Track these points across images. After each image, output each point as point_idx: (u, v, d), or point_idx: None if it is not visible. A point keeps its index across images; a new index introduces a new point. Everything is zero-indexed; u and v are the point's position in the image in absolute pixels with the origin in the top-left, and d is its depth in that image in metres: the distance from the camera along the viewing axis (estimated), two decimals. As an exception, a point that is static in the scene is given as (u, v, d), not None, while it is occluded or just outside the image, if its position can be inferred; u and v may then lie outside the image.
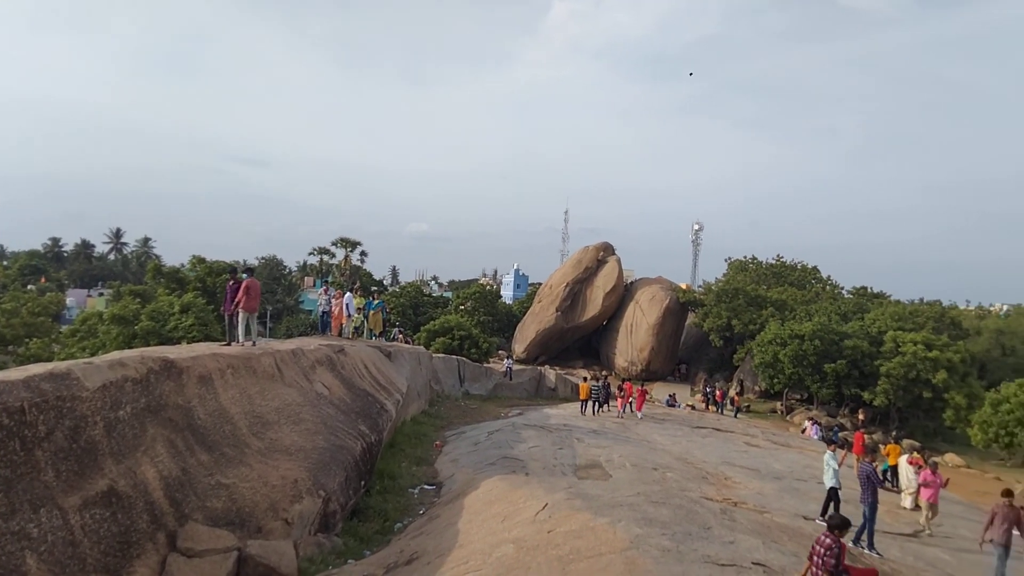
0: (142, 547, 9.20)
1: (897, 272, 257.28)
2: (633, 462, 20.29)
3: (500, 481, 16.25)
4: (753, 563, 9.86)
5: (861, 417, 42.08)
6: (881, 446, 26.45)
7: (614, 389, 37.51)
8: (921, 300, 74.04)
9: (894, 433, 48.31)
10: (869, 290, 76.78)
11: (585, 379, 36.91)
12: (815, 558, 8.67)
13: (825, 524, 14.55)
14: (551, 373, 50.33)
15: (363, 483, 16.19)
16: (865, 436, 25.06)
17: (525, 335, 73.78)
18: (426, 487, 18.53)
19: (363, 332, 28.27)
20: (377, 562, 12.04)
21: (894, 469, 21.49)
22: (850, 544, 13.26)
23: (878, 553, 13.23)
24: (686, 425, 31.15)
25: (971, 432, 44.70)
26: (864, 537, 13.60)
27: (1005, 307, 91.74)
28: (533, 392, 45.81)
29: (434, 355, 38.64)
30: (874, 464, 14.17)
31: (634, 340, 69.15)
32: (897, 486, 20.43)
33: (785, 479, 20.46)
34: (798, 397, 58.85)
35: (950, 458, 46.12)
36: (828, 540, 8.59)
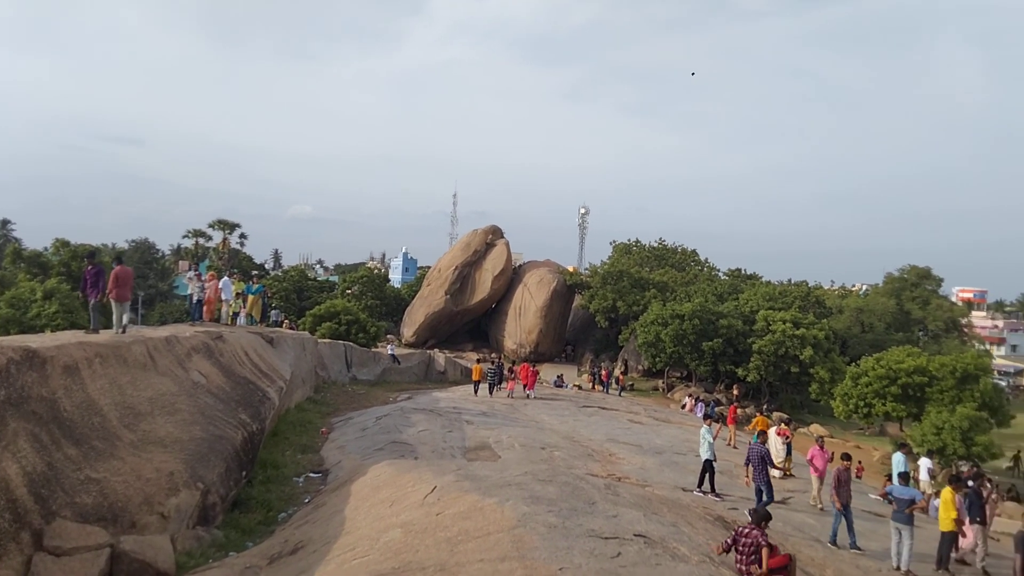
0: (3, 547, 8.59)
1: (768, 254, 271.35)
2: (522, 443, 20.57)
3: (388, 466, 16.11)
4: (635, 535, 10.19)
5: (736, 392, 44.25)
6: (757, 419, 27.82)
7: (506, 371, 37.91)
8: (789, 281, 78.20)
9: (765, 406, 51.10)
10: (743, 272, 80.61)
11: (479, 361, 37.06)
12: (740, 549, 9.07)
13: (701, 494, 15.20)
14: (440, 357, 50.27)
15: (245, 473, 15.69)
16: (738, 409, 26.46)
17: (414, 319, 73.30)
18: (312, 475, 18.15)
19: (243, 318, 27.28)
20: (260, 553, 11.72)
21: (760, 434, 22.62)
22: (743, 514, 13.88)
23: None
24: (573, 405, 31.82)
25: (834, 404, 47.81)
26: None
27: (864, 287, 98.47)
28: (423, 376, 45.63)
29: (320, 341, 37.79)
30: (764, 444, 14.70)
31: (523, 322, 69.96)
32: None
33: (665, 453, 21.28)
34: (678, 375, 61.19)
35: (815, 428, 49.24)
36: (754, 532, 9.00)
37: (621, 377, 47.04)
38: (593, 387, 45.55)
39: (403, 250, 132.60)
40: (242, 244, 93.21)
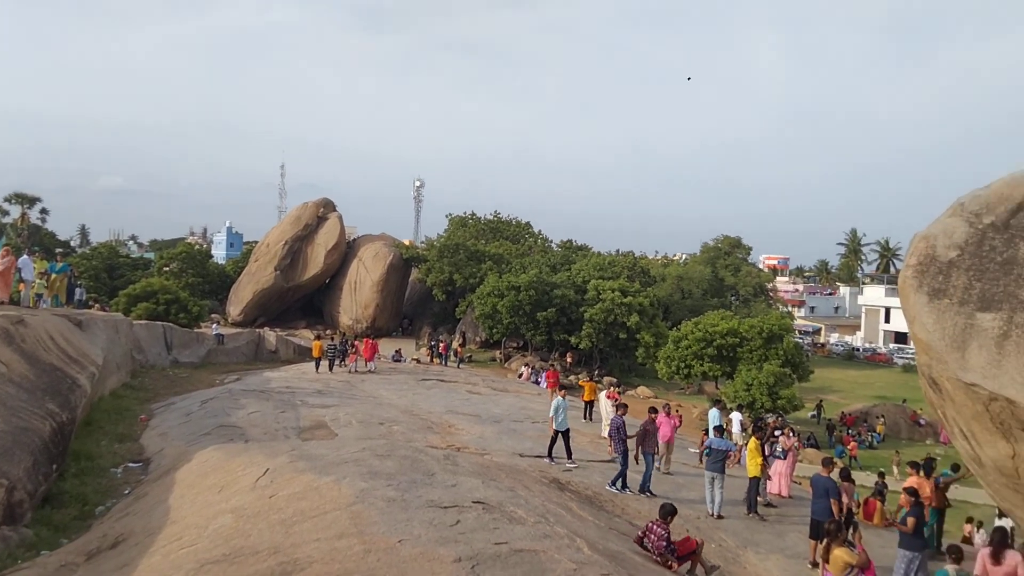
0: None
1: (598, 225, 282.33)
2: (360, 419, 20.29)
3: (216, 451, 15.37)
4: (473, 502, 10.34)
5: (569, 359, 45.93)
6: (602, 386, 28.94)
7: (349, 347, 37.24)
8: (618, 251, 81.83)
9: (596, 372, 53.40)
10: (574, 243, 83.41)
11: (318, 337, 36.19)
12: (648, 542, 9.33)
13: (549, 461, 15.49)
14: (271, 335, 48.37)
15: (56, 467, 14.40)
16: (559, 373, 27.68)
17: (241, 296, 70.02)
18: (131, 465, 17.00)
19: (47, 300, 24.87)
20: (76, 550, 10.85)
21: (590, 404, 23.64)
22: (607, 487, 14.33)
23: (630, 491, 14.28)
24: (412, 379, 31.75)
25: (658, 366, 50.81)
26: (642, 483, 14.57)
27: (684, 256, 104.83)
28: (252, 356, 43.76)
29: (135, 322, 35.23)
30: (623, 416, 15.08)
31: (359, 297, 68.73)
32: (589, 417, 22.55)
33: (504, 422, 21.73)
34: (515, 345, 62.58)
35: (641, 390, 52.14)
36: (659, 529, 9.27)
37: (459, 349, 47.43)
38: (432, 360, 45.62)
39: (227, 224, 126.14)
40: (43, 220, 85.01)
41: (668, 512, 9.58)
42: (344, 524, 9.23)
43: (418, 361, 45.00)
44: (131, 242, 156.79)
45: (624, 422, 14.55)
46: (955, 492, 24.56)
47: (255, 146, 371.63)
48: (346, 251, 72.53)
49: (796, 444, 17.40)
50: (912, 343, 12.16)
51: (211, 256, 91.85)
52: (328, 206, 74.07)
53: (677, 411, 16.90)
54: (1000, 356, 10.27)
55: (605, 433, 20.00)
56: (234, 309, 69.98)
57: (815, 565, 11.19)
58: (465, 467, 13.07)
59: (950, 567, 9.73)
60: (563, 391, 16.86)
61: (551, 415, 15.76)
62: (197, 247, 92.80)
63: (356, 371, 32.43)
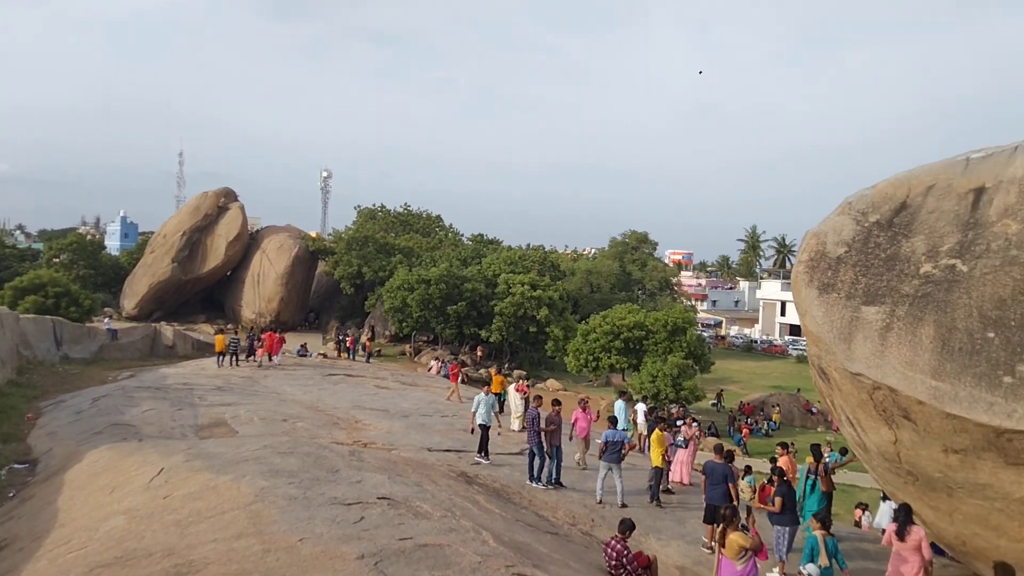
0: None
1: (509, 219, 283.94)
2: (262, 416, 19.77)
3: (108, 451, 14.66)
4: (378, 498, 10.22)
5: (480, 353, 46.01)
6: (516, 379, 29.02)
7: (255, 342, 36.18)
8: (528, 245, 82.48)
9: (507, 365, 53.71)
10: (485, 237, 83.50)
11: (221, 331, 35.13)
12: (610, 562, 9.29)
13: (484, 462, 15.30)
14: (168, 330, 46.49)
15: (-72, 472, 13.46)
16: (459, 366, 27.87)
17: (137, 289, 67.06)
18: (17, 466, 16.07)
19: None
20: (-50, 561, 10.14)
21: (499, 396, 23.67)
22: (526, 482, 14.29)
23: (543, 485, 14.23)
24: (318, 374, 31.11)
25: (567, 360, 51.53)
26: (548, 475, 14.49)
27: (593, 251, 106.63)
28: (148, 352, 42.00)
29: (21, 316, 33.21)
30: (539, 408, 15.04)
31: (262, 291, 66.90)
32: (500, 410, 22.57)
33: (412, 416, 21.55)
34: (425, 339, 62.23)
35: (551, 383, 52.73)
36: (618, 545, 9.23)
37: (368, 343, 46.82)
38: (339, 355, 44.84)
39: (121, 214, 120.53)
40: (-83, 208, 78.93)
41: (627, 527, 9.60)
42: (242, 524, 8.97)
43: (325, 356, 44.14)
44: (18, 232, 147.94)
45: (539, 414, 14.60)
46: (844, 477, 25.96)
47: (152, 133, 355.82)
48: (249, 243, 70.43)
49: (697, 433, 17.91)
50: (804, 335, 12.71)
51: (104, 247, 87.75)
52: (229, 196, 71.64)
53: (585, 404, 17.00)
54: (883, 347, 10.85)
55: (515, 426, 20.11)
56: (129, 303, 67.00)
57: (712, 549, 11.60)
58: (371, 463, 12.89)
59: (818, 532, 10.24)
60: (485, 387, 16.65)
61: (472, 411, 15.62)
62: (89, 237, 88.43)
63: (263, 366, 31.60)
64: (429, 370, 43.11)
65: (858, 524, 20.49)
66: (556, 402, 15.07)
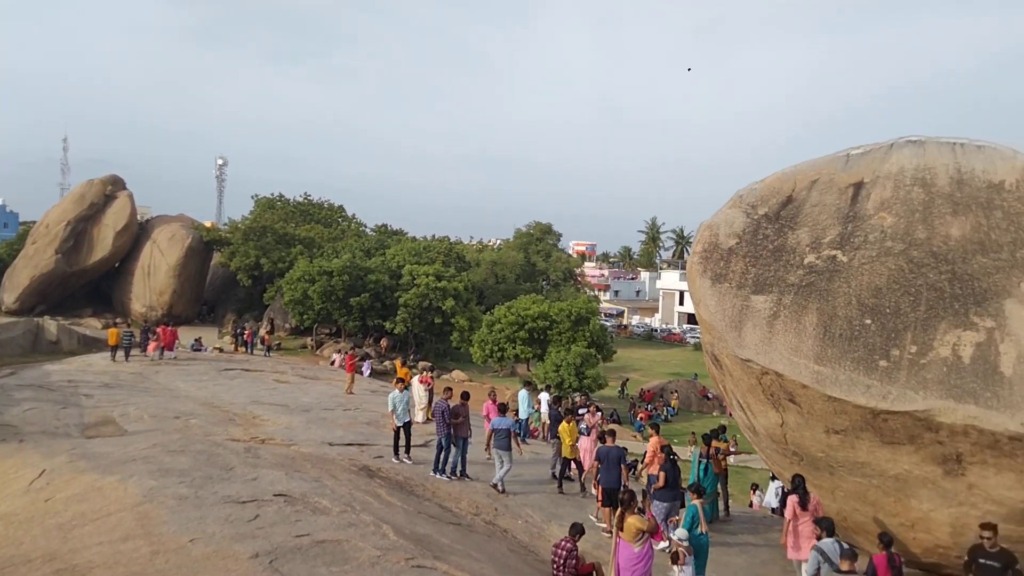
0: None
1: (413, 210, 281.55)
2: (152, 413, 18.96)
3: (-18, 454, 13.72)
4: (275, 495, 9.97)
5: (384, 345, 45.33)
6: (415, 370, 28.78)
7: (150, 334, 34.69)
8: (434, 236, 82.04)
9: (412, 357, 53.36)
10: (390, 228, 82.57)
11: (115, 323, 33.56)
12: (557, 561, 9.15)
13: (407, 462, 14.90)
14: (52, 325, 44.03)
15: None
16: (355, 357, 27.53)
17: (17, 282, 63.07)
18: None
19: None
20: None
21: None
22: (431, 473, 14.07)
23: (447, 476, 14.04)
24: (213, 369, 30.01)
25: (472, 350, 51.64)
26: (452, 466, 14.26)
27: (498, 242, 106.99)
28: (29, 348, 39.66)
29: None
30: (448, 400, 14.76)
31: (153, 283, 64.12)
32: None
33: (313, 411, 21.09)
34: (327, 331, 61.10)
35: (456, 374, 52.76)
36: (568, 545, 9.05)
37: (267, 337, 45.43)
38: (236, 349, 43.39)
39: (0, 202, 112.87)
40: None
41: (578, 531, 9.52)
42: (130, 526, 8.59)
43: (221, 350, 42.71)
44: None
45: (449, 406, 14.42)
46: (737, 459, 27.02)
47: (34, 117, 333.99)
48: (138, 233, 67.31)
49: (600, 421, 18.22)
50: (699, 323, 13.14)
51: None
52: (117, 184, 68.17)
53: (495, 395, 16.94)
54: (771, 334, 11.34)
55: (419, 418, 19.94)
56: (8, 296, 62.99)
57: (611, 532, 11.91)
58: (268, 459, 12.56)
59: (696, 502, 10.70)
60: (400, 384, 16.14)
61: (389, 410, 15.04)
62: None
63: (155, 361, 30.28)
64: (331, 363, 42.34)
65: (751, 505, 21.40)
66: (465, 395, 15.02)
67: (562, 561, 9.32)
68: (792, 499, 10.98)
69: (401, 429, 14.78)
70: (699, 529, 10.26)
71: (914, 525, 10.95)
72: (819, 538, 9.56)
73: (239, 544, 8.01)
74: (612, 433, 13.31)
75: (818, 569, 9.01)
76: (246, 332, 45.26)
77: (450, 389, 15.70)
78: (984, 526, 9.05)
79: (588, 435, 16.56)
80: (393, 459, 14.74)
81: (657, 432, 14.13)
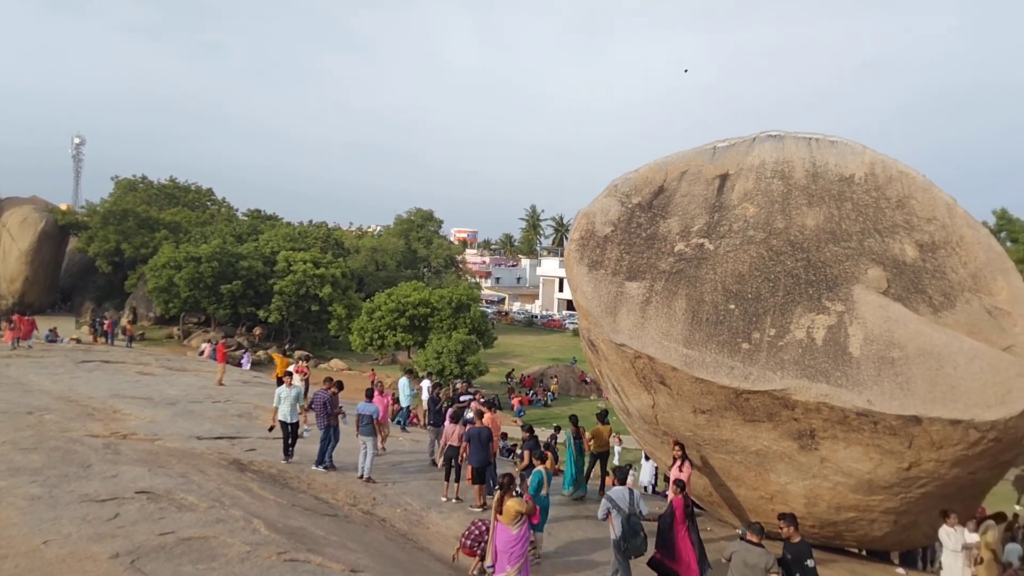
0: None
1: (288, 194, 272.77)
2: (2, 408, 17.54)
3: None
4: (137, 492, 9.45)
5: (257, 334, 44.03)
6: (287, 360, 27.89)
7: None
8: (310, 222, 79.82)
9: (288, 346, 51.86)
10: (263, 212, 79.67)
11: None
12: (469, 533, 9.27)
13: (321, 468, 14.25)
14: None
15: None
16: (225, 347, 26.57)
17: None
18: None
19: None
20: None
21: (281, 380, 22.78)
22: (314, 467, 13.58)
23: (326, 468, 13.65)
24: (70, 361, 28.09)
25: (352, 338, 50.69)
26: (327, 458, 13.82)
27: (378, 227, 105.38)
28: None
29: None
30: (331, 391, 14.21)
31: (3, 270, 59.50)
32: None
33: (180, 403, 20.14)
34: (196, 320, 58.48)
35: (335, 363, 51.74)
36: (484, 525, 9.21)
37: (129, 327, 43.13)
38: (95, 339, 40.91)
39: None
40: None
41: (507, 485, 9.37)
42: (-29, 532, 7.90)
43: (78, 341, 40.10)
44: None
45: (330, 397, 13.99)
46: (612, 440, 27.82)
47: None
48: (-16, 216, 62.05)
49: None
50: (576, 309, 13.42)
51: None
52: (-41, 162, 62.56)
53: (382, 387, 16.55)
54: (643, 319, 11.73)
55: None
56: None
57: (481, 508, 12.13)
58: (129, 455, 11.89)
59: (541, 468, 11.22)
60: (287, 378, 15.41)
61: (274, 405, 14.28)
62: None
63: (11, 350, 28.12)
64: (200, 353, 40.54)
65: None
66: (335, 384, 14.68)
67: (476, 533, 9.49)
68: (676, 470, 11.56)
69: (289, 427, 13.87)
70: (543, 491, 10.72)
71: (773, 498, 11.64)
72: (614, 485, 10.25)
73: (97, 545, 7.55)
74: (480, 414, 13.46)
75: (608, 513, 9.66)
76: (106, 322, 42.76)
77: (330, 379, 15.24)
78: (780, 516, 8.97)
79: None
80: (284, 460, 13.94)
81: (491, 410, 14.28)
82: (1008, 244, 38.56)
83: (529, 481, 11.00)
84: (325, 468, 13.69)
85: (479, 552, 9.60)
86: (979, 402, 9.78)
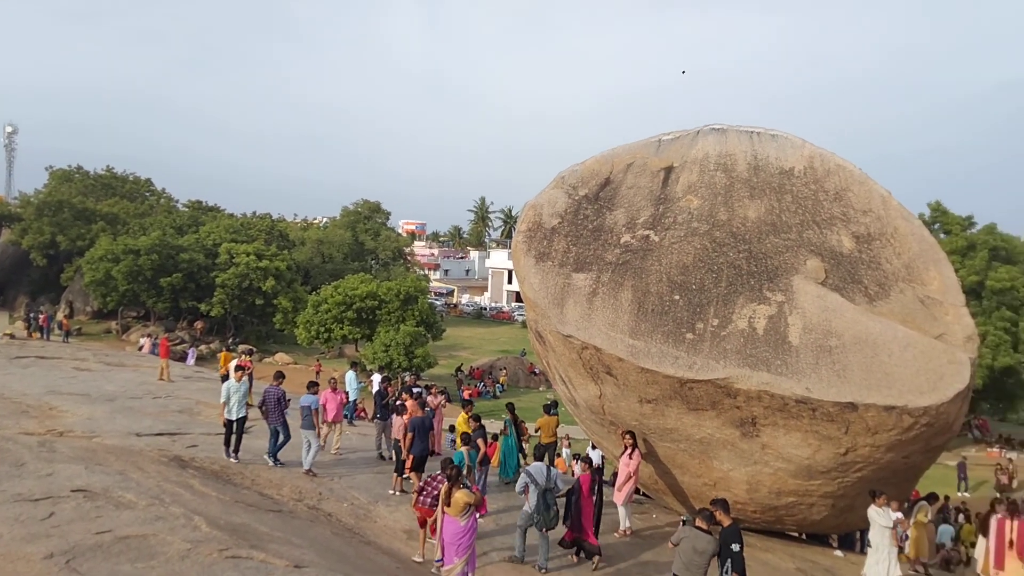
0: None
1: (230, 186, 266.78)
2: (-75, 408, 16.82)
3: None
4: (73, 490, 9.17)
5: (199, 328, 43.11)
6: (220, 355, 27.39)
7: None
8: (254, 213, 78.21)
9: (231, 340, 50.88)
10: (204, 203, 77.72)
11: None
12: (424, 490, 9.56)
13: (231, 458, 13.86)
14: None
15: None
16: (168, 341, 25.93)
17: None
18: None
19: None
20: None
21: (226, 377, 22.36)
22: (266, 456, 13.28)
23: (280, 463, 13.38)
24: (3, 356, 27.11)
25: (298, 332, 49.92)
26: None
27: (324, 219, 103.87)
28: None
29: None
30: (281, 385, 13.82)
31: (-73, 263, 56.92)
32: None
33: (118, 400, 19.60)
34: (135, 314, 56.95)
35: (280, 357, 50.92)
36: (440, 480, 9.24)
37: (65, 321, 41.66)
38: (30, 334, 39.47)
39: None
40: None
41: (454, 473, 9.22)
42: None
43: (12, 336, 38.66)
44: None
45: (284, 392, 13.64)
46: (560, 431, 28.03)
47: None
48: (-91, 206, 59.34)
49: (443, 401, 18.15)
50: (524, 301, 13.45)
51: None
52: None
53: (335, 384, 16.11)
54: (590, 311, 11.83)
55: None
56: None
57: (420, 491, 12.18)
58: (66, 453, 11.53)
59: (463, 449, 11.58)
60: (239, 372, 14.92)
61: (221, 401, 13.81)
62: None
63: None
64: (140, 348, 39.51)
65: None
66: (278, 375, 14.38)
67: (429, 489, 9.74)
68: (623, 457, 11.87)
69: (235, 423, 13.37)
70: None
71: (716, 484, 11.87)
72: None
73: (31, 545, 7.31)
74: (424, 404, 13.42)
75: (526, 487, 10.12)
76: (42, 316, 41.33)
77: (282, 374, 14.82)
78: (712, 502, 8.94)
79: (433, 416, 16.30)
80: (225, 456, 13.47)
81: (412, 397, 14.31)
82: (942, 236, 39.89)
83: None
84: (276, 463, 13.43)
85: (428, 504, 9.87)
86: (912, 388, 10.12)
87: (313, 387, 14.42)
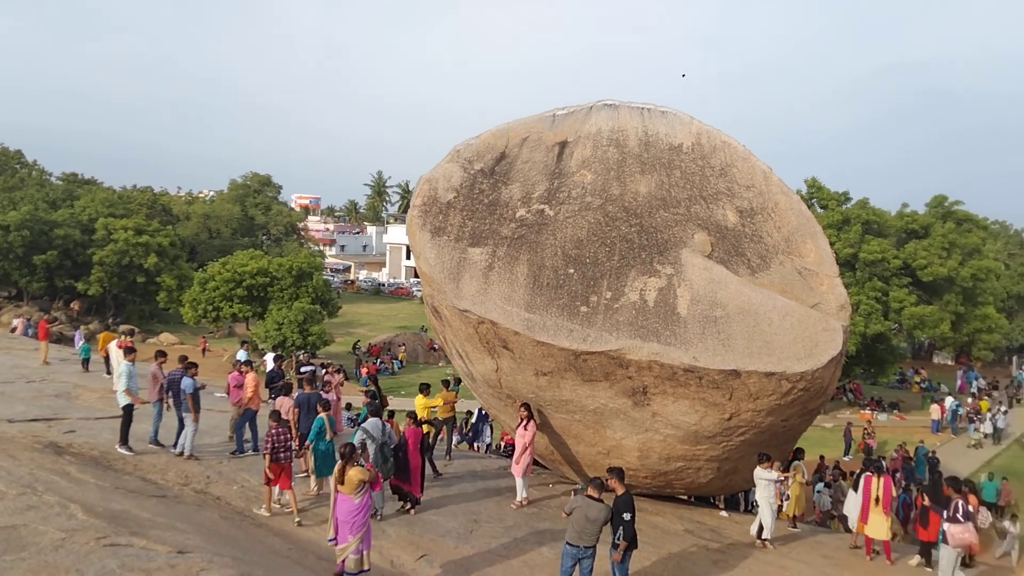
0: None
1: (107, 160, 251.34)
2: None
3: None
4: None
5: (76, 308, 40.69)
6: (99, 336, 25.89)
7: None
8: (134, 187, 74.17)
9: (112, 320, 48.33)
10: (80, 176, 73.14)
11: None
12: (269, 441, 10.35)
13: (124, 450, 12.97)
14: None
15: None
16: (48, 323, 24.44)
17: None
18: None
19: None
20: None
21: (107, 359, 21.23)
22: (176, 454, 12.54)
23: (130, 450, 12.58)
24: None
25: (184, 311, 47.83)
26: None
27: (211, 193, 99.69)
28: None
29: None
30: (188, 369, 12.92)
31: None
32: (109, 372, 20.23)
33: (-14, 384, 18.32)
34: (6, 295, 53.30)
35: (165, 337, 48.82)
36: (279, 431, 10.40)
37: (-77, 302, 38.56)
38: None
39: None
40: None
41: (349, 455, 8.89)
42: None
43: None
44: None
45: (194, 379, 12.83)
46: (461, 406, 28.12)
47: None
48: None
49: (341, 379, 17.76)
50: (420, 276, 13.31)
51: None
52: None
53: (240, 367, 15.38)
54: (486, 285, 11.83)
55: (117, 387, 18.07)
56: None
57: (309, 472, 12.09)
58: (-77, 443, 10.67)
59: (323, 415, 11.67)
60: (132, 356, 13.91)
61: (123, 388, 12.81)
62: None
63: None
64: (12, 330, 37.02)
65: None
66: (160, 354, 13.69)
67: (275, 444, 10.34)
68: (519, 430, 12.18)
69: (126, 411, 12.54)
70: (327, 437, 11.42)
71: (609, 452, 12.19)
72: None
73: None
74: (311, 380, 13.20)
75: (363, 443, 10.60)
76: None
77: (163, 353, 14.08)
78: (608, 470, 9.18)
79: (336, 398, 15.92)
80: (118, 447, 12.60)
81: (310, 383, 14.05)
82: (818, 210, 42.09)
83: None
84: (162, 447, 12.78)
85: (283, 459, 10.48)
86: (790, 355, 10.66)
87: (190, 366, 13.34)
